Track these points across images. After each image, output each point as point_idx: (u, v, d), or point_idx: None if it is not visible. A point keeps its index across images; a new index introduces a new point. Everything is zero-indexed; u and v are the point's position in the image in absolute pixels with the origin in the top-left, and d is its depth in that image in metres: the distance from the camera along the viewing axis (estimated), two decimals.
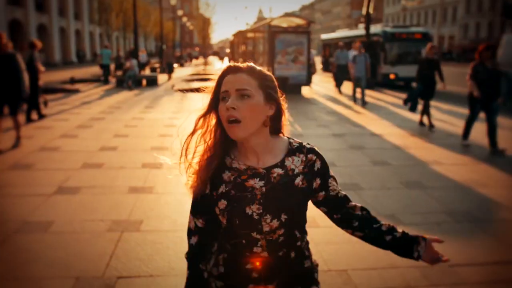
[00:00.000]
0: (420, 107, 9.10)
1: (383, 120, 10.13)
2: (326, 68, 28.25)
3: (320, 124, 9.54)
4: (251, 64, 1.40)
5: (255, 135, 1.37)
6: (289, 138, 1.48)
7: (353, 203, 1.53)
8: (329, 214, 1.52)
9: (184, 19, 74.28)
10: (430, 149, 7.18)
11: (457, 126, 8.73)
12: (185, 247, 1.51)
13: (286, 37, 15.41)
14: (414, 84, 10.96)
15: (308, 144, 1.47)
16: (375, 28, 20.42)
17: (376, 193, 4.97)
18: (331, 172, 1.49)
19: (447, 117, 10.40)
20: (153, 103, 12.86)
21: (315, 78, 19.98)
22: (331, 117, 10.54)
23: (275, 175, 1.39)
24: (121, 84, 17.88)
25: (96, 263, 3.22)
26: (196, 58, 59.10)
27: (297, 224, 1.44)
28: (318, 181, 1.44)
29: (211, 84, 1.42)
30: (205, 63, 45.28)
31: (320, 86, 18.87)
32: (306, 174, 1.42)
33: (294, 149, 1.44)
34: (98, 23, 32.25)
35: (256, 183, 1.38)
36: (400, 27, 21.19)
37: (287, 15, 19.33)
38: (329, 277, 3.11)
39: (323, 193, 1.46)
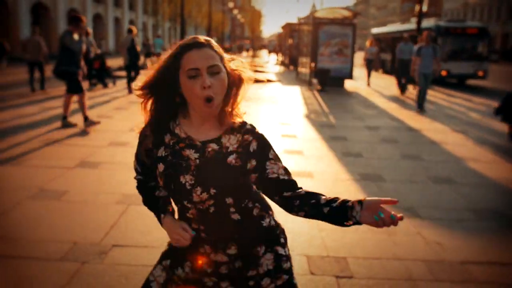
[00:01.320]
0: None
1: (437, 123, 9.68)
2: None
3: (356, 116, 9.25)
4: (207, 37, 1.40)
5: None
6: (236, 116, 1.46)
7: (299, 190, 1.44)
8: (269, 195, 1.48)
9: (235, 11, 74.69)
10: (470, 147, 6.76)
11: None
12: None
13: (330, 28, 15.05)
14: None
15: (250, 125, 1.46)
16: (428, 22, 19.55)
17: (397, 186, 4.73)
18: (272, 155, 1.44)
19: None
20: None
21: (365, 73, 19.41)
22: (370, 110, 10.19)
23: (209, 149, 1.41)
24: None
25: (97, 231, 3.28)
26: (247, 50, 59.43)
27: (228, 195, 1.42)
28: (253, 162, 1.42)
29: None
30: (253, 56, 45.41)
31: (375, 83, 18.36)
32: (240, 153, 1.42)
33: (234, 128, 1.44)
34: (151, 14, 33.00)
35: (192, 154, 1.41)
36: (455, 21, 20.18)
37: (332, 8, 18.89)
38: (326, 262, 2.98)
39: (256, 175, 1.43)
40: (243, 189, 1.47)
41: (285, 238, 1.57)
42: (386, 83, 17.16)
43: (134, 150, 1.54)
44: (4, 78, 15.07)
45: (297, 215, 1.44)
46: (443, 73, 17.50)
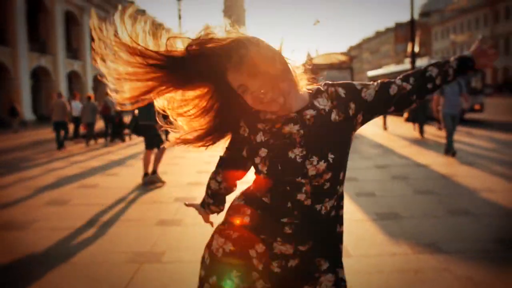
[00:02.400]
0: None
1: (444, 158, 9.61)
2: None
3: (363, 156, 9.19)
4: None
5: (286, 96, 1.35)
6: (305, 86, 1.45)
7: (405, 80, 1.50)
8: (406, 100, 1.49)
9: None
10: (481, 178, 6.65)
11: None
12: None
13: (329, 73, 15.35)
14: None
15: (324, 83, 1.45)
16: (421, 62, 19.99)
17: (416, 222, 4.58)
18: (359, 85, 1.45)
19: (495, 145, 9.73)
20: None
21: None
22: (376, 149, 10.15)
23: (308, 116, 1.36)
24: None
25: None
26: None
27: (342, 166, 1.39)
28: (352, 105, 1.40)
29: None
30: None
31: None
32: (336, 106, 1.39)
33: (315, 92, 1.42)
34: None
35: (292, 128, 1.34)
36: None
37: (328, 53, 19.39)
38: None
39: (362, 112, 1.42)
40: (346, 162, 1.42)
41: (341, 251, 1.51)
42: (397, 124, 17.25)
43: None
44: (31, 137, 15.26)
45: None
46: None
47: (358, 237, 4.11)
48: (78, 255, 3.88)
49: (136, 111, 6.80)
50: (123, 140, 14.42)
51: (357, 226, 4.42)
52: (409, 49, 18.88)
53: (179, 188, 6.55)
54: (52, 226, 4.79)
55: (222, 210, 1.66)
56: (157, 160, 6.95)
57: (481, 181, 6.40)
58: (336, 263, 1.44)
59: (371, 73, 31.37)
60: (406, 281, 3.18)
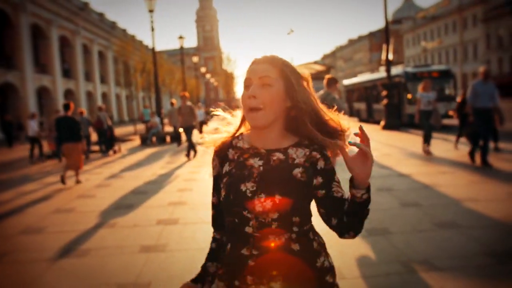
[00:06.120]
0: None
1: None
2: (350, 114, 27.81)
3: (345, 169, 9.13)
4: (274, 54, 1.43)
5: (273, 124, 1.39)
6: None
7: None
8: (329, 217, 1.41)
9: (208, 75, 76.71)
10: (462, 187, 6.67)
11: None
12: None
13: None
14: None
15: (320, 143, 1.43)
16: (396, 70, 20.32)
17: (406, 238, 4.51)
18: (337, 179, 1.44)
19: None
20: (174, 158, 12.80)
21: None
22: None
23: (275, 158, 1.39)
24: (145, 142, 18.09)
25: None
26: None
27: (295, 211, 1.35)
28: (319, 179, 1.40)
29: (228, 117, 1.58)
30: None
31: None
32: (307, 168, 1.38)
33: (302, 143, 1.43)
34: (124, 86, 33.58)
35: (256, 162, 1.39)
36: (421, 67, 21.02)
37: (306, 63, 19.51)
38: None
39: (324, 191, 1.40)
40: (307, 212, 1.41)
41: (334, 279, 1.44)
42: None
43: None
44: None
45: (347, 236, 1.42)
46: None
47: (350, 257, 4.00)
48: None
49: None
50: (114, 152, 15.47)
51: (347, 245, 4.31)
52: (383, 56, 19.14)
53: (160, 209, 6.33)
54: (25, 259, 4.52)
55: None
56: None
57: (463, 190, 6.42)
58: None
59: (346, 81, 31.75)
60: None
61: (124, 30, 53.37)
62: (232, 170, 1.40)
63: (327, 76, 7.21)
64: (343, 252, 4.11)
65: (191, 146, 12.29)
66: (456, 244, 4.24)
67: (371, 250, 4.17)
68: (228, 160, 1.44)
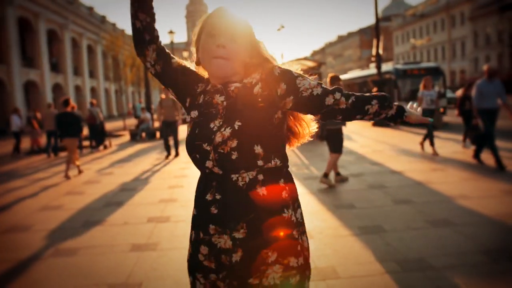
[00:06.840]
0: None
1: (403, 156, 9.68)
2: None
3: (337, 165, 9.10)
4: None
5: (233, 76, 1.41)
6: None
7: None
8: (323, 118, 1.44)
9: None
10: (454, 184, 6.68)
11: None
12: None
13: None
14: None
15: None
16: (386, 66, 20.39)
17: (400, 235, 4.48)
18: (297, 73, 1.42)
19: (461, 148, 9.91)
20: (164, 154, 12.65)
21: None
22: (348, 157, 10.12)
23: (232, 88, 1.39)
24: (135, 138, 17.91)
25: None
26: None
27: (255, 138, 1.30)
28: (283, 85, 1.37)
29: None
30: None
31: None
32: (264, 80, 1.38)
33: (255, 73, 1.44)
34: (113, 80, 33.22)
35: (218, 99, 1.39)
36: (411, 64, 21.11)
37: (297, 59, 19.45)
38: None
39: (291, 97, 1.38)
40: (273, 143, 1.35)
41: (306, 242, 1.40)
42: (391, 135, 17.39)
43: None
44: None
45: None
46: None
47: (344, 255, 3.96)
48: None
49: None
50: (105, 147, 15.41)
51: (341, 244, 4.27)
52: (373, 52, 19.18)
53: (151, 206, 6.23)
54: (11, 258, 4.40)
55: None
56: (334, 164, 7.13)
57: (455, 187, 6.42)
58: (287, 251, 1.31)
59: None
60: None
61: (113, 25, 52.81)
62: (202, 107, 1.42)
63: (330, 74, 7.12)
64: (336, 250, 4.07)
65: (175, 145, 11.63)
66: (450, 242, 4.22)
67: (365, 248, 4.13)
68: (198, 94, 1.47)
